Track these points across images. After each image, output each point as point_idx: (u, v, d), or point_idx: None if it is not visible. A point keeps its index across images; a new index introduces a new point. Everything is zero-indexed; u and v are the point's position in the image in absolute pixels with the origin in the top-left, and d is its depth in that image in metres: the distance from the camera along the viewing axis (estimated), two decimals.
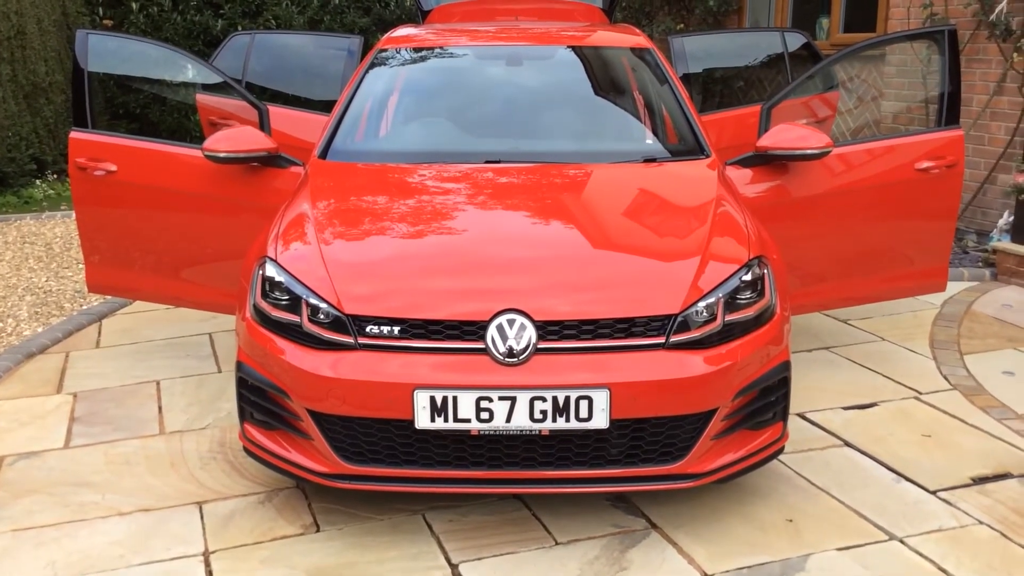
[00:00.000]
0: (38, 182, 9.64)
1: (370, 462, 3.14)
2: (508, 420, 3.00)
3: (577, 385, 2.99)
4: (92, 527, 3.41)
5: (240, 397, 3.38)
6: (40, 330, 5.56)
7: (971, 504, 3.47)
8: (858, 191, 4.41)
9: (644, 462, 3.13)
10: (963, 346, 5.02)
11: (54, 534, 3.36)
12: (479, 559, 3.16)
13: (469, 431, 3.04)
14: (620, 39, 4.88)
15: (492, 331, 3.03)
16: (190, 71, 5.96)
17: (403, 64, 4.74)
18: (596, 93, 4.74)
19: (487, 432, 3.04)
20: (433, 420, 3.01)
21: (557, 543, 3.25)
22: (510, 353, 3.01)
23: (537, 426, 3.01)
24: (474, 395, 2.99)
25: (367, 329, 3.10)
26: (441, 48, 4.82)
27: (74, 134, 4.44)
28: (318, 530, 3.35)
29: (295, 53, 6.44)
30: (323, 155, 4.14)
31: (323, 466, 3.18)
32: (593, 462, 3.11)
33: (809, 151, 4.05)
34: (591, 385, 2.99)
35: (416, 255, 3.39)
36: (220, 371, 4.84)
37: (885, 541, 3.24)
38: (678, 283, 3.18)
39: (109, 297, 5.94)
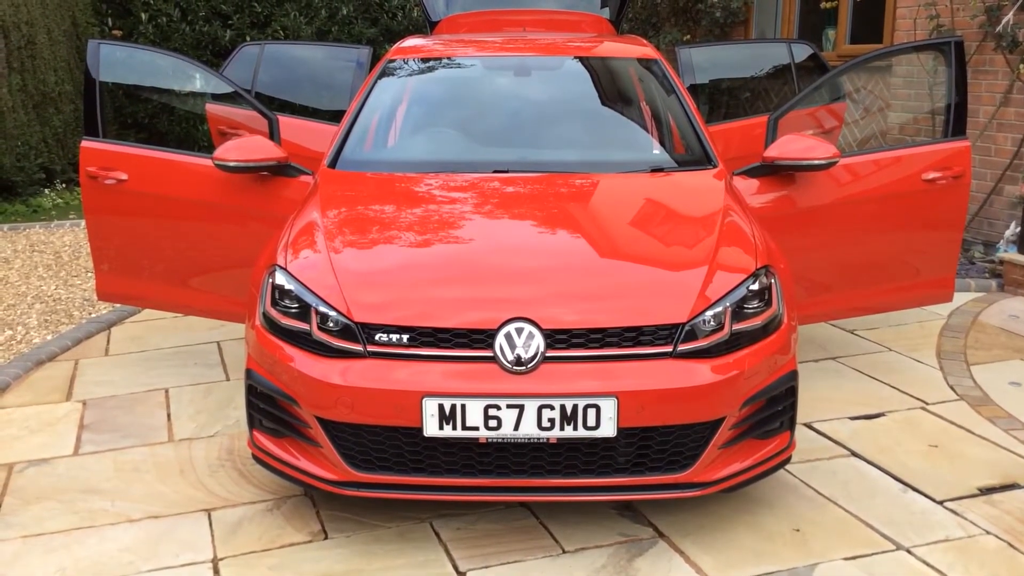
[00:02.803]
0: (47, 191, 9.70)
1: (378, 470, 3.15)
2: (516, 428, 3.02)
3: (585, 393, 3.01)
4: (101, 534, 3.42)
5: (249, 404, 3.39)
6: (49, 338, 5.58)
7: (978, 514, 3.47)
8: (865, 201, 4.42)
9: (651, 471, 3.14)
10: (970, 356, 5.02)
11: (64, 540, 3.38)
12: (486, 567, 3.17)
13: (477, 439, 3.05)
14: (627, 50, 4.90)
15: (500, 339, 3.05)
16: (200, 81, 5.99)
17: (412, 74, 4.77)
18: (603, 103, 4.76)
19: (495, 440, 3.05)
20: (441, 428, 3.03)
21: (564, 551, 3.25)
22: (518, 361, 3.03)
23: (545, 434, 3.03)
24: (482, 403, 3.00)
25: (376, 337, 3.11)
26: (449, 59, 4.86)
27: (85, 143, 4.46)
28: (326, 537, 3.36)
29: (304, 64, 6.47)
30: (333, 164, 4.16)
31: (332, 473, 3.20)
32: (600, 470, 3.13)
33: (816, 162, 4.07)
34: (599, 393, 3.01)
35: (425, 264, 3.41)
36: (228, 379, 4.86)
37: (892, 551, 3.24)
38: (685, 292, 3.20)
39: (118, 305, 5.97)
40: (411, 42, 5.11)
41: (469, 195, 3.90)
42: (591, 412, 3.00)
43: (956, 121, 4.50)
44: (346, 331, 3.14)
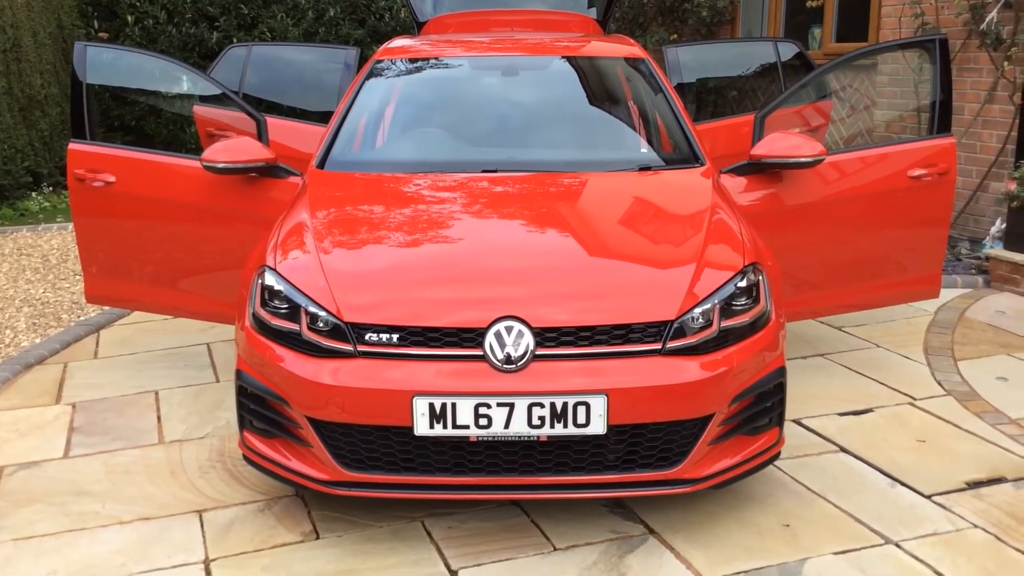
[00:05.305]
0: (34, 194, 9.66)
1: (370, 469, 3.16)
2: (506, 426, 3.03)
3: (575, 391, 3.02)
4: (93, 536, 3.42)
5: (240, 405, 3.40)
6: (38, 341, 5.57)
7: (966, 508, 3.50)
8: (851, 199, 4.45)
9: (641, 467, 3.16)
10: (957, 352, 5.05)
11: (55, 543, 3.38)
12: (479, 565, 3.18)
13: (468, 437, 3.06)
14: (614, 49, 4.92)
15: (490, 338, 3.06)
16: (187, 83, 5.99)
17: (399, 75, 4.78)
18: (591, 103, 4.78)
19: (486, 438, 3.06)
20: (432, 427, 3.04)
21: (555, 549, 3.27)
22: (508, 360, 3.04)
23: (535, 432, 3.04)
24: (473, 402, 3.01)
25: (366, 337, 3.12)
26: (437, 59, 4.86)
27: (73, 145, 4.46)
28: (318, 537, 3.37)
29: (292, 65, 6.47)
30: (321, 165, 4.17)
31: (323, 473, 3.20)
32: (591, 468, 3.14)
33: (803, 159, 4.09)
34: (589, 391, 3.02)
35: (414, 264, 3.41)
36: (218, 381, 4.86)
37: (881, 545, 3.27)
38: (674, 290, 3.21)
39: (107, 308, 5.96)
40: (399, 43, 5.12)
41: (458, 195, 3.90)
42: (581, 410, 3.02)
43: (941, 118, 4.53)
44: (336, 331, 3.15)
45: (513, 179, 3.98)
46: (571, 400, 3.01)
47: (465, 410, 3.02)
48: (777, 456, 3.44)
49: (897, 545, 3.27)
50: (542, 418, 3.02)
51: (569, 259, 3.41)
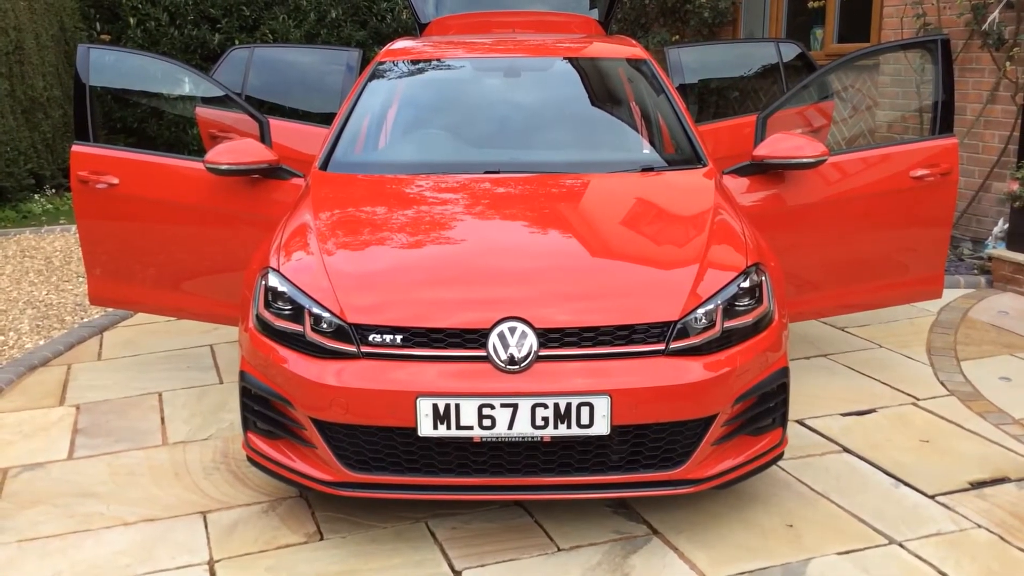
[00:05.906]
0: (36, 196, 9.68)
1: (373, 470, 3.17)
2: (510, 427, 3.03)
3: (578, 392, 3.02)
4: (97, 537, 3.43)
5: (243, 407, 3.40)
6: (42, 343, 5.58)
7: (969, 508, 3.50)
8: (853, 199, 4.45)
9: (645, 468, 3.16)
10: (960, 352, 5.05)
11: (59, 544, 3.38)
12: (482, 566, 3.18)
13: (471, 438, 3.06)
14: (616, 50, 4.92)
15: (494, 339, 3.06)
16: (189, 85, 5.99)
17: (402, 76, 4.78)
18: (593, 104, 4.78)
19: (489, 439, 3.07)
20: (436, 428, 3.04)
21: (559, 549, 3.27)
22: (511, 361, 3.04)
23: (539, 433, 3.04)
24: (476, 402, 3.02)
25: (370, 338, 3.13)
26: (439, 60, 4.87)
27: (76, 147, 4.46)
28: (322, 538, 3.37)
29: (294, 67, 6.48)
30: (324, 167, 4.17)
31: (327, 474, 3.21)
32: (594, 468, 3.14)
33: (805, 160, 4.09)
34: (592, 392, 3.02)
35: (418, 265, 3.42)
36: (222, 382, 4.86)
37: (885, 545, 3.27)
38: (677, 290, 3.21)
39: (110, 310, 5.97)
40: (401, 44, 5.12)
41: (460, 196, 3.91)
42: (584, 410, 3.02)
43: (943, 119, 4.53)
44: (339, 332, 3.15)
45: (516, 180, 3.99)
46: (575, 401, 3.01)
47: (469, 411, 3.02)
48: (780, 456, 3.44)
49: (901, 545, 3.27)
50: (546, 419, 3.02)
51: (572, 260, 3.42)
